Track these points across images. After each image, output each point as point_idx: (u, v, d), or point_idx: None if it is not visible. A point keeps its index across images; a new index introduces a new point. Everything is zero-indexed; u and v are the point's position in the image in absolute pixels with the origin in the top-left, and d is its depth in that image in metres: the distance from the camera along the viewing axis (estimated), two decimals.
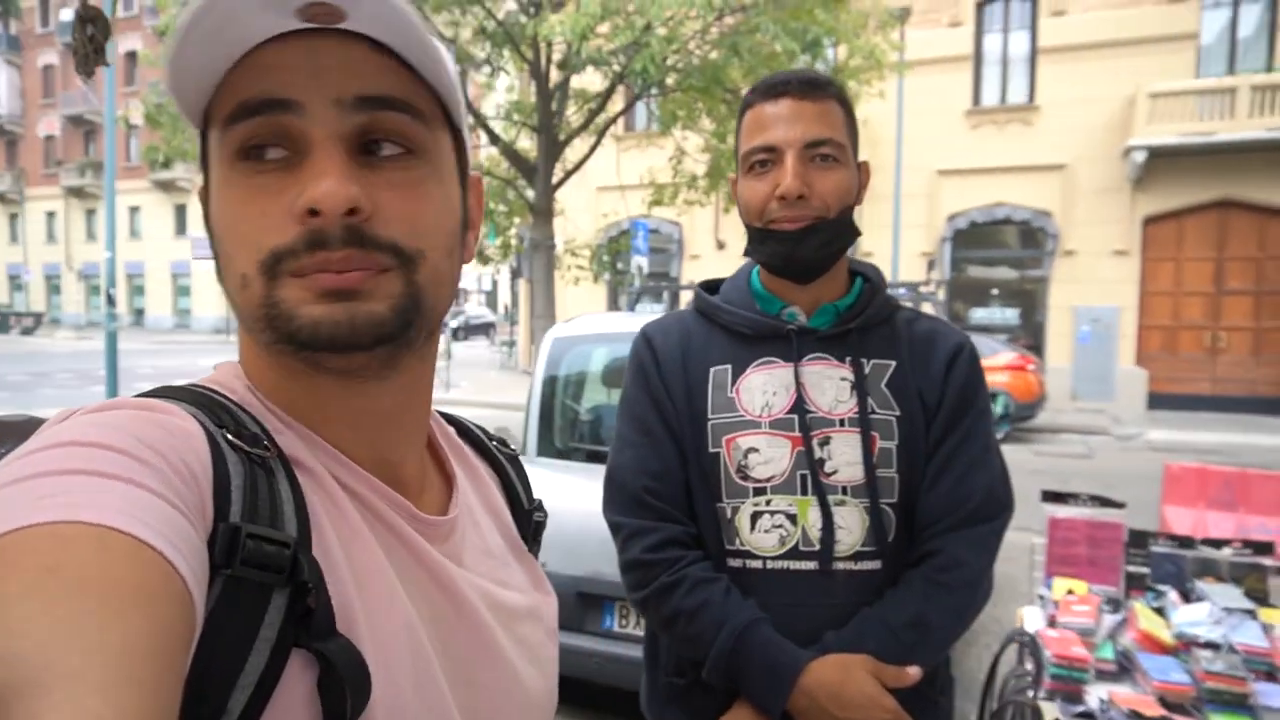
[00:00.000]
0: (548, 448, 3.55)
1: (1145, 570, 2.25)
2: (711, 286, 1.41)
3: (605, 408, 4.02)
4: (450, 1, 9.46)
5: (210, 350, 23.99)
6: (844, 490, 1.21)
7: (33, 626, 0.35)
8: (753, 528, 1.22)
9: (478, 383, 16.45)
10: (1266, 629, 1.93)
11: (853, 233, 1.25)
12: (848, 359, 1.24)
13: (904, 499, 1.22)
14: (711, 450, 1.25)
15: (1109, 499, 2.33)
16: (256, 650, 0.45)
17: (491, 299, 41.63)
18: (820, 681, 1.13)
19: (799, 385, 1.23)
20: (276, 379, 0.57)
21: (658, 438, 1.28)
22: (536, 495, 0.78)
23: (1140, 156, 13.81)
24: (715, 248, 17.54)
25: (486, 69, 10.62)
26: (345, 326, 0.52)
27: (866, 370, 1.24)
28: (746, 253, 1.33)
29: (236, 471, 0.49)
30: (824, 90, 1.21)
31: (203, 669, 0.43)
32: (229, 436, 0.50)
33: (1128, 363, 14.51)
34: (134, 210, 34.78)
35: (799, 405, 1.22)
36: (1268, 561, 2.20)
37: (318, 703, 0.47)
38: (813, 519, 1.20)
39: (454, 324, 31.20)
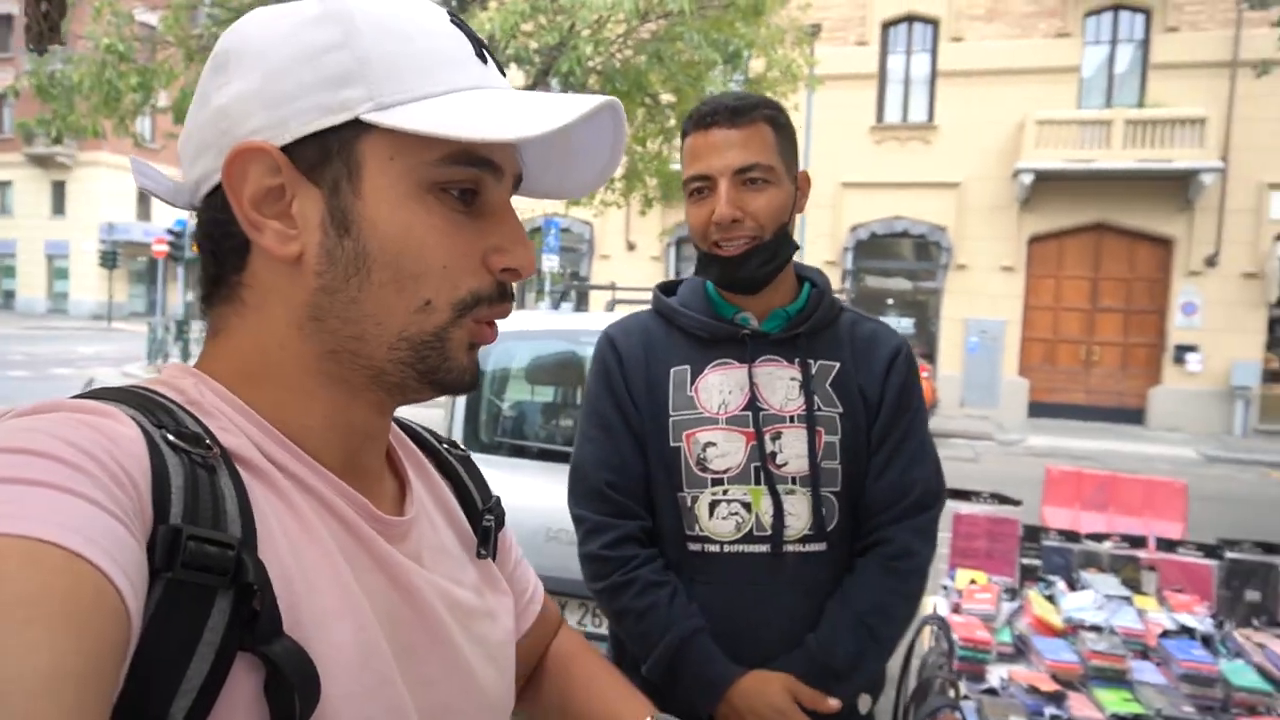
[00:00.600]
0: (472, 443, 3.57)
1: (1037, 562, 2.46)
2: (668, 288, 1.49)
3: (528, 404, 4.05)
4: None
5: (88, 337, 22.61)
6: (793, 480, 1.32)
7: None
8: (711, 515, 1.33)
9: None
10: (1140, 614, 2.16)
11: (790, 247, 1.36)
12: (796, 360, 1.36)
13: (846, 488, 1.34)
14: (673, 444, 1.35)
15: (1007, 497, 2.53)
16: (199, 655, 0.44)
17: None
18: (741, 693, 1.27)
19: (752, 385, 1.34)
20: (278, 379, 0.58)
21: (619, 434, 1.37)
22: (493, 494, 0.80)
23: (1027, 179, 14.66)
24: (625, 249, 17.68)
25: None
26: (473, 376, 0.61)
27: (813, 371, 1.36)
28: (697, 271, 1.42)
29: (177, 472, 0.48)
30: (750, 114, 1.29)
31: (145, 675, 0.42)
32: (169, 437, 0.49)
33: (1011, 373, 15.38)
34: (4, 185, 32.43)
35: (753, 404, 1.33)
36: (1141, 554, 2.44)
37: (265, 706, 0.47)
38: (765, 507, 1.32)
39: None
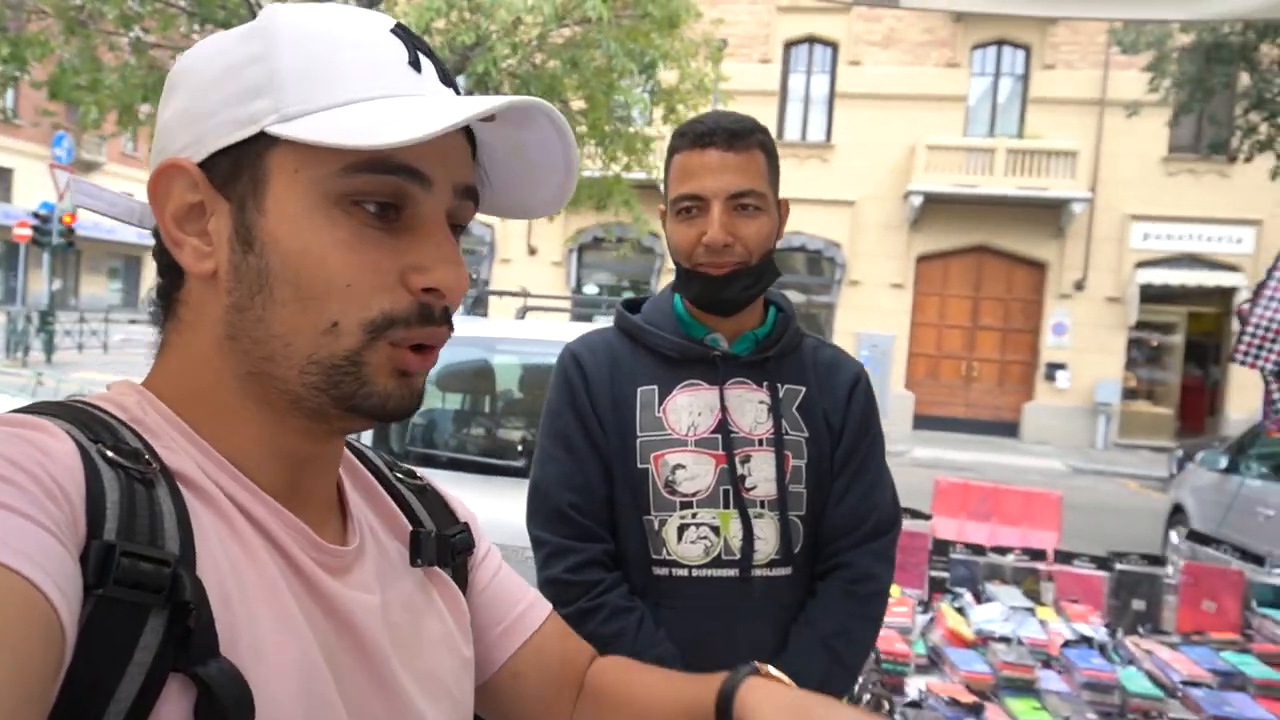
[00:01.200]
0: (380, 450, 3.46)
1: (945, 574, 2.55)
2: (632, 305, 1.47)
3: (439, 412, 3.95)
4: None
5: None
6: (762, 504, 1.32)
7: None
8: (680, 538, 1.31)
9: None
10: (1043, 624, 2.27)
11: (773, 274, 1.36)
12: (765, 384, 1.36)
13: (810, 512, 1.35)
14: (640, 466, 1.32)
15: (919, 511, 2.62)
16: (130, 674, 0.43)
17: None
18: None
19: (724, 407, 1.33)
20: (211, 400, 0.56)
21: (582, 454, 1.33)
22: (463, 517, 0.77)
23: (917, 200, 15.36)
24: (527, 253, 17.54)
25: None
26: (407, 403, 0.57)
27: (781, 394, 1.36)
28: (675, 288, 1.41)
29: (112, 487, 0.47)
30: (747, 139, 1.29)
31: (74, 693, 0.41)
32: (106, 452, 0.49)
33: (899, 386, 16.04)
34: None
35: (723, 426, 1.32)
36: (1040, 566, 2.57)
37: None
38: (734, 530, 1.31)
39: None
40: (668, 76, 9.64)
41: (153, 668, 0.44)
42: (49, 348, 15.78)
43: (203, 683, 0.45)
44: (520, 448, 3.61)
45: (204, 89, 0.55)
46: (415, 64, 0.57)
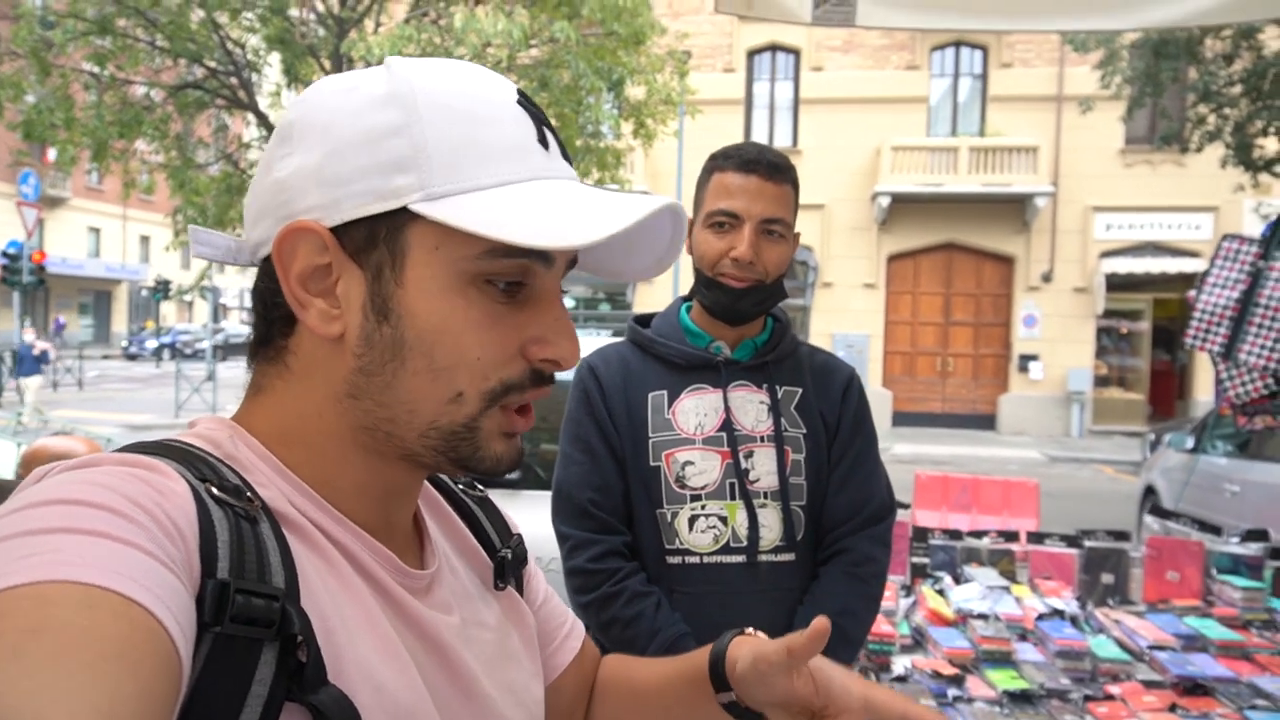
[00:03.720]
0: None
1: (926, 560, 2.70)
2: (643, 320, 1.62)
3: None
4: (245, 6, 9.00)
5: None
6: (765, 495, 1.46)
7: (15, 690, 0.35)
8: (691, 529, 1.45)
9: None
10: (1018, 600, 2.41)
11: (782, 294, 1.51)
12: (765, 386, 1.50)
13: (811, 502, 1.49)
14: (652, 464, 1.46)
15: (899, 501, 2.76)
16: (249, 706, 0.46)
17: None
18: None
19: (727, 408, 1.47)
20: (314, 445, 0.59)
21: (600, 456, 1.47)
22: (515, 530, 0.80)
23: (885, 201, 15.63)
24: None
25: (284, 79, 10.07)
26: (515, 462, 0.61)
27: (779, 395, 1.50)
28: (692, 293, 1.55)
29: (222, 526, 0.49)
30: (785, 175, 1.45)
31: None
32: (213, 491, 0.50)
33: (876, 384, 16.26)
34: None
35: (727, 425, 1.46)
36: (1014, 547, 2.72)
37: None
38: (740, 520, 1.44)
39: (213, 342, 28.49)
40: (635, 92, 9.82)
41: (269, 699, 0.46)
42: (19, 390, 15.61)
43: (316, 710, 0.47)
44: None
45: (342, 153, 0.55)
46: (543, 140, 0.59)
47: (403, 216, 0.54)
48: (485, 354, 0.56)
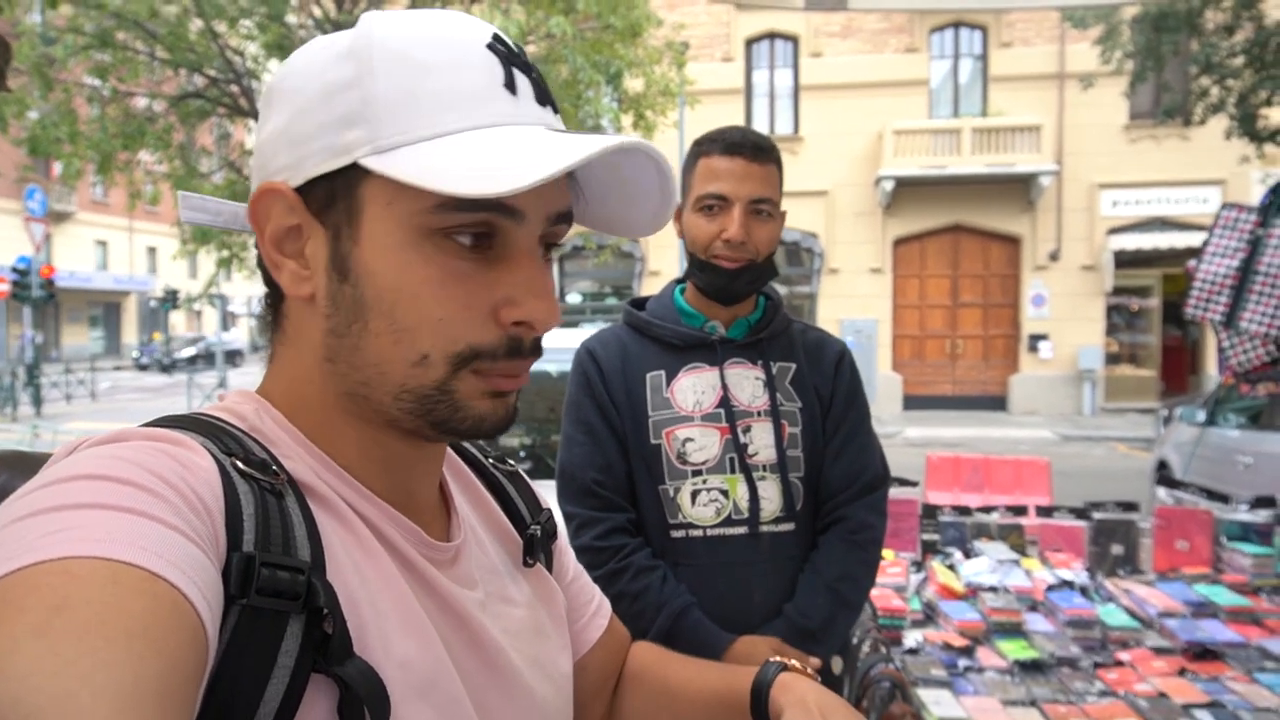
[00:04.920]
0: None
1: (936, 537, 2.72)
2: (638, 303, 1.65)
3: None
4: (242, 13, 9.10)
5: None
6: (764, 468, 1.49)
7: (40, 668, 0.35)
8: (694, 503, 1.48)
9: None
10: (1028, 573, 2.43)
11: (774, 272, 1.54)
12: (759, 362, 1.53)
13: (808, 473, 1.52)
14: (653, 442, 1.49)
15: (906, 479, 2.78)
16: (276, 677, 0.46)
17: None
18: (735, 656, 1.41)
19: (724, 385, 1.50)
20: (316, 412, 0.58)
21: (602, 437, 1.50)
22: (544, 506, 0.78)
23: (889, 185, 15.57)
24: None
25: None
26: (503, 422, 0.58)
27: (774, 371, 1.53)
28: (686, 275, 1.58)
29: (248, 500, 0.49)
30: (769, 155, 1.48)
31: (225, 699, 0.44)
32: (238, 464, 0.51)
33: (885, 369, 16.24)
34: None
35: (725, 401, 1.50)
36: (1023, 521, 2.73)
37: None
38: (741, 493, 1.48)
39: (190, 352, 28.33)
40: (634, 84, 9.81)
41: (295, 670, 0.46)
42: (37, 400, 15.77)
43: (343, 682, 0.48)
44: (523, 453, 3.75)
45: (303, 111, 0.54)
46: (511, 84, 0.55)
47: (356, 173, 0.53)
48: (448, 313, 0.54)
